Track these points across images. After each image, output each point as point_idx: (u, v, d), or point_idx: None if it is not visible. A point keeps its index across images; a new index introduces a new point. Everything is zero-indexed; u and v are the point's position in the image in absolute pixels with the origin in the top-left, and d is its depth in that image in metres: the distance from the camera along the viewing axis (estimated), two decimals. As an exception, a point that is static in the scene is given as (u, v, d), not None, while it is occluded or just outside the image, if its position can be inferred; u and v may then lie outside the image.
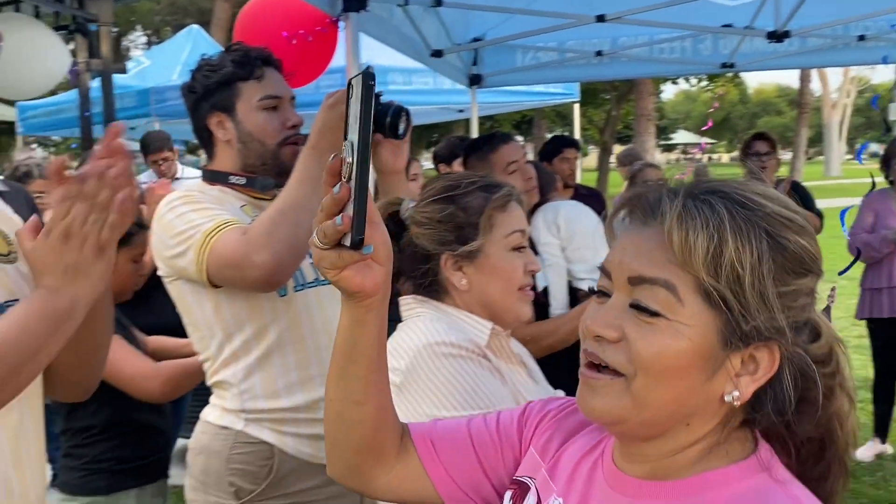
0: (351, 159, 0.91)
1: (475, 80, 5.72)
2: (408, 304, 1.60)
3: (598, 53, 5.49)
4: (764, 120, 50.13)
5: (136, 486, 2.47)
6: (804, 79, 30.34)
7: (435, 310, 1.57)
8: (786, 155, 34.92)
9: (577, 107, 10.02)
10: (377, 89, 1.95)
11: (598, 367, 0.92)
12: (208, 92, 2.04)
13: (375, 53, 6.46)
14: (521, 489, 1.09)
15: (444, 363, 1.43)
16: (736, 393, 0.88)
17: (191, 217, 1.91)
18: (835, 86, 40.49)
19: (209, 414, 2.07)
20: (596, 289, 0.95)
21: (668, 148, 54.06)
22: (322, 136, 1.89)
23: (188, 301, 2.01)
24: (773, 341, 0.88)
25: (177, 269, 1.96)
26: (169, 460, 2.65)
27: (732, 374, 0.88)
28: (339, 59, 3.47)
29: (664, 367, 0.87)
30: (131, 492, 2.45)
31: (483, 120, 7.21)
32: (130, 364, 2.33)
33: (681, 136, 56.68)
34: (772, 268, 0.86)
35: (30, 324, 1.20)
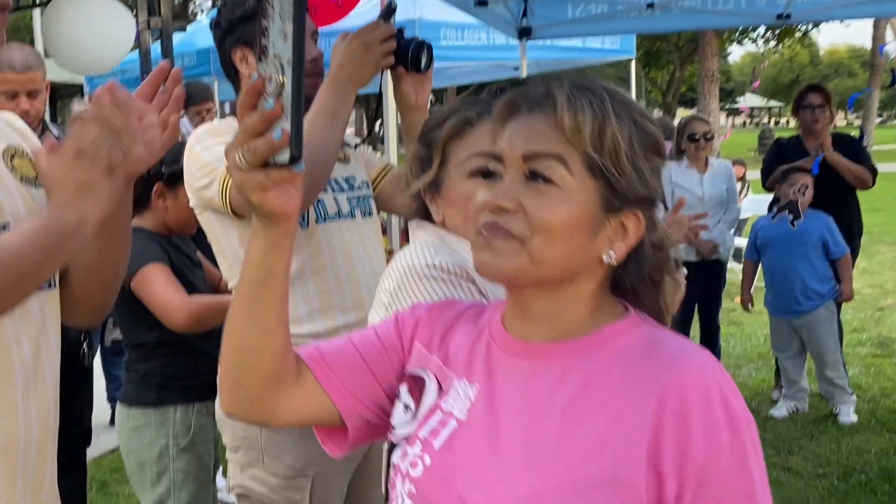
0: (282, 77, 0.92)
1: (525, 33, 5.65)
2: (411, 227, 1.63)
3: (650, 6, 5.38)
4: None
5: (183, 402, 2.60)
6: (877, 38, 29.25)
7: (429, 233, 1.57)
8: (857, 121, 33.80)
9: (633, 64, 9.83)
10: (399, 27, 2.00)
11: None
12: (232, 26, 2.09)
13: (427, 9, 6.45)
14: (417, 382, 1.15)
15: (426, 285, 1.43)
16: (612, 253, 1.04)
17: (217, 150, 1.97)
18: (912, 46, 38.94)
19: (236, 339, 2.14)
20: (486, 170, 1.08)
21: (735, 111, 52.78)
22: (342, 69, 1.93)
23: (216, 231, 2.09)
24: (639, 209, 1.05)
25: (204, 200, 2.03)
26: None
27: (608, 238, 1.04)
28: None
29: (558, 227, 1.01)
30: (178, 407, 2.60)
31: (537, 78, 7.12)
32: (160, 293, 2.45)
33: (748, 100, 55.30)
34: (641, 144, 1.04)
35: (37, 237, 1.24)
